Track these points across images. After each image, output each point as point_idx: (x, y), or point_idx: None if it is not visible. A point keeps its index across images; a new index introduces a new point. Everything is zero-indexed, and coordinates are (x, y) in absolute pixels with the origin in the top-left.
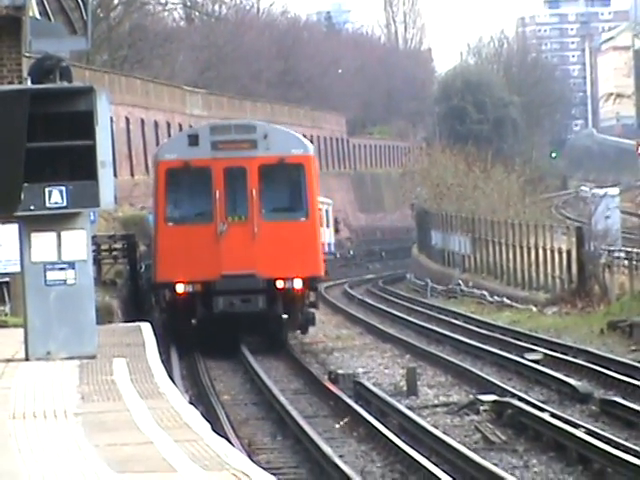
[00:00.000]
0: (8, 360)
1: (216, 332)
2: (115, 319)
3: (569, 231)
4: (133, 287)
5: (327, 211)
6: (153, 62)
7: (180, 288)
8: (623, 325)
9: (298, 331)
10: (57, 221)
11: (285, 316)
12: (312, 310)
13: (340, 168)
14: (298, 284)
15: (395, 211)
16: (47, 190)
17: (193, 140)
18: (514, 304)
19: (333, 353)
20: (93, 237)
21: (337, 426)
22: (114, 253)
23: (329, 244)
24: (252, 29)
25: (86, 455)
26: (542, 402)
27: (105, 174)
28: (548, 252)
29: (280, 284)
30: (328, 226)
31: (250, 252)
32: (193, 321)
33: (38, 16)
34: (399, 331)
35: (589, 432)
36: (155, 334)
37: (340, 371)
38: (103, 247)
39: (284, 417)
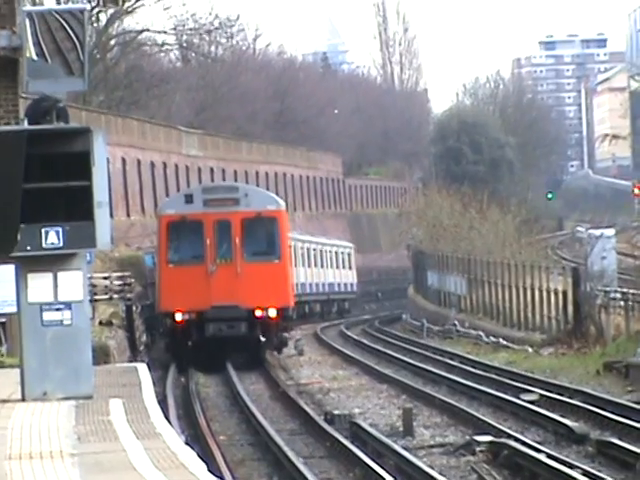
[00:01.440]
0: (4, 401)
1: (208, 352)
2: (111, 360)
3: (565, 272)
4: (129, 327)
5: (349, 254)
6: (149, 103)
7: (179, 317)
8: (619, 366)
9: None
10: (53, 262)
11: (263, 339)
12: (285, 334)
13: (336, 209)
14: (273, 313)
15: (391, 252)
16: (44, 231)
17: (189, 198)
18: (510, 345)
19: (329, 394)
20: (89, 277)
21: None
22: (110, 294)
23: (351, 284)
24: (248, 70)
25: None
26: (538, 443)
27: (101, 214)
28: (544, 293)
29: (258, 313)
30: (351, 268)
31: (234, 287)
32: (189, 343)
33: (35, 57)
34: (395, 372)
35: (585, 473)
36: (151, 374)
37: (336, 411)
38: (99, 287)
39: (280, 458)
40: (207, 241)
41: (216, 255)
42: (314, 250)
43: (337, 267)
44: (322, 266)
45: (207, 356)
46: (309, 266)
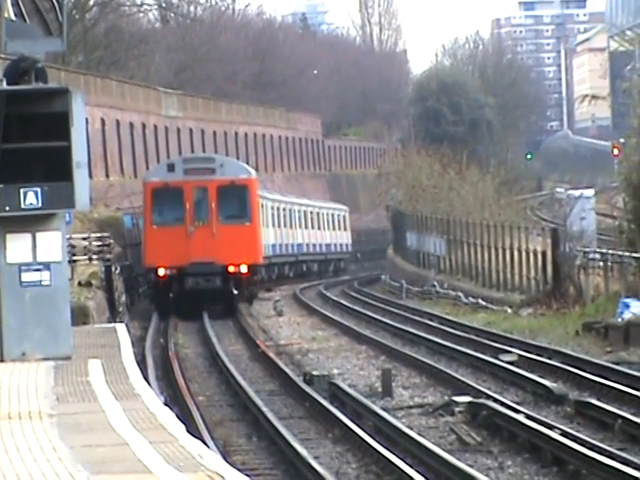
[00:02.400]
0: None
1: (186, 303)
2: (90, 320)
3: (544, 232)
4: (108, 288)
5: (344, 217)
6: (129, 63)
7: (161, 272)
8: (598, 326)
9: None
10: (32, 222)
11: (236, 292)
12: (254, 288)
13: (315, 169)
14: (244, 269)
15: (370, 212)
16: (22, 191)
17: (171, 167)
18: (489, 305)
19: (308, 354)
20: (68, 238)
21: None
22: (89, 254)
23: (346, 245)
24: (227, 30)
25: (61, 456)
26: (517, 403)
27: (80, 175)
28: (523, 253)
29: (232, 269)
30: (346, 229)
31: (210, 246)
32: (171, 295)
33: (13, 17)
34: (374, 332)
35: (564, 433)
36: (130, 334)
37: (315, 372)
38: (78, 248)
39: (259, 418)
40: (187, 205)
41: (195, 218)
42: (311, 213)
43: (333, 229)
44: (319, 228)
45: (187, 306)
46: (306, 228)
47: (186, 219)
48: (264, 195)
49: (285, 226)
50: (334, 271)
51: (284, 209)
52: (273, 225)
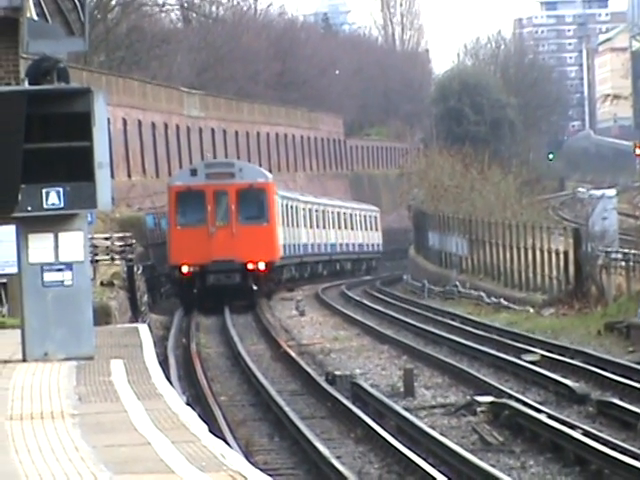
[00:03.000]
0: (6, 361)
1: (209, 298)
2: (112, 320)
3: (566, 232)
4: (130, 288)
5: (376, 217)
6: (150, 63)
7: (185, 269)
8: (620, 326)
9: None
10: (54, 222)
11: (255, 287)
12: (272, 284)
13: (337, 169)
14: (262, 266)
15: (392, 212)
16: (44, 191)
17: (193, 172)
18: (511, 305)
19: (330, 354)
20: (90, 238)
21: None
22: (111, 254)
23: (378, 244)
24: (249, 30)
25: (84, 456)
26: (539, 403)
27: (102, 175)
28: (545, 253)
29: (250, 266)
30: (377, 230)
31: (230, 245)
32: (194, 290)
33: (35, 17)
34: (396, 332)
35: (586, 433)
36: (152, 334)
37: (337, 372)
38: (100, 248)
39: (281, 418)
40: (208, 207)
41: (216, 219)
42: (344, 214)
43: (365, 229)
44: (352, 228)
45: (209, 301)
46: (339, 228)
47: (208, 220)
48: (297, 197)
49: (318, 227)
50: (366, 270)
51: (317, 210)
52: (305, 226)
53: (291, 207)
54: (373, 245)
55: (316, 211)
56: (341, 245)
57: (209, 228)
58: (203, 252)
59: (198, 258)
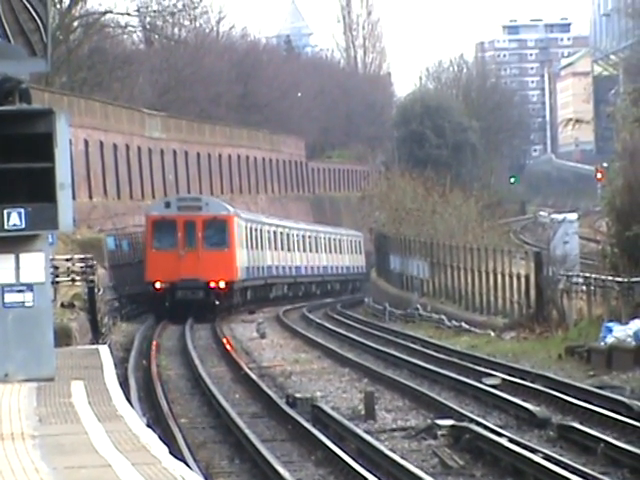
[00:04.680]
0: None
1: (178, 310)
2: (73, 342)
3: (527, 256)
4: (91, 309)
5: (360, 242)
6: (112, 85)
7: (158, 285)
8: (581, 350)
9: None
10: (15, 243)
11: (217, 302)
12: (231, 300)
13: (299, 191)
14: (222, 284)
15: None
16: (5, 212)
17: (167, 205)
18: (472, 329)
19: (291, 377)
20: (51, 259)
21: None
22: (72, 275)
23: (361, 266)
24: (211, 52)
25: (44, 478)
26: (500, 427)
27: (64, 196)
28: (506, 277)
29: (212, 284)
30: (361, 253)
31: (196, 266)
32: (166, 304)
33: None
34: (357, 355)
35: (547, 457)
36: (113, 356)
37: (298, 395)
38: (61, 269)
39: (242, 440)
40: (179, 234)
41: (185, 244)
42: (334, 240)
43: (351, 253)
44: (340, 252)
45: (177, 312)
46: (330, 252)
47: (178, 245)
48: (290, 225)
49: (312, 251)
50: (352, 290)
51: (309, 237)
52: (298, 250)
53: (287, 235)
54: (358, 267)
55: (309, 237)
56: (332, 267)
57: (179, 251)
58: (173, 271)
59: (169, 276)
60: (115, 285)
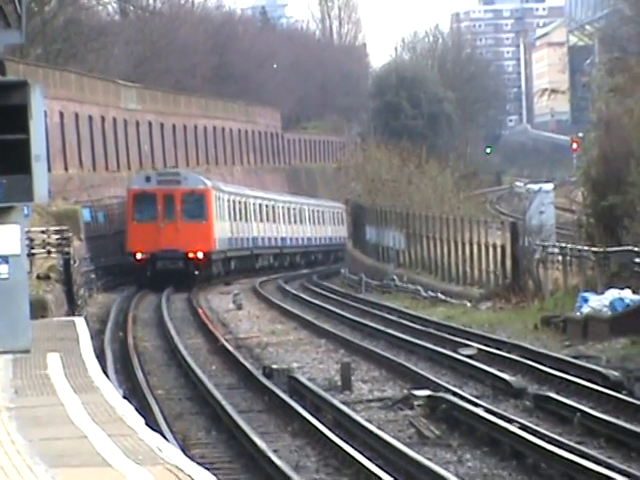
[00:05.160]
0: None
1: (158, 279)
2: (49, 314)
3: (503, 226)
4: (67, 281)
5: (341, 213)
6: (87, 56)
7: (139, 256)
8: (557, 320)
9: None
10: None
11: (196, 272)
12: (210, 270)
13: (275, 163)
14: (200, 255)
15: None
16: None
17: (147, 179)
18: (448, 299)
19: (267, 348)
20: (26, 231)
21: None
22: (48, 247)
23: (343, 237)
24: (186, 23)
25: (20, 449)
26: (476, 397)
27: (39, 168)
28: (482, 247)
29: (191, 255)
30: (343, 224)
31: (176, 238)
32: (148, 273)
33: None
34: (333, 326)
35: (523, 427)
36: (89, 328)
37: (275, 366)
38: (37, 241)
39: (218, 412)
40: (159, 207)
41: (164, 216)
42: (318, 212)
43: (334, 224)
44: (323, 223)
45: (158, 282)
46: (314, 224)
47: (158, 217)
48: (276, 198)
49: (296, 222)
50: (334, 259)
51: (294, 209)
52: (284, 222)
53: (272, 207)
54: (340, 237)
55: (294, 209)
56: (315, 239)
57: (159, 224)
58: (154, 243)
59: (149, 247)
60: (91, 257)
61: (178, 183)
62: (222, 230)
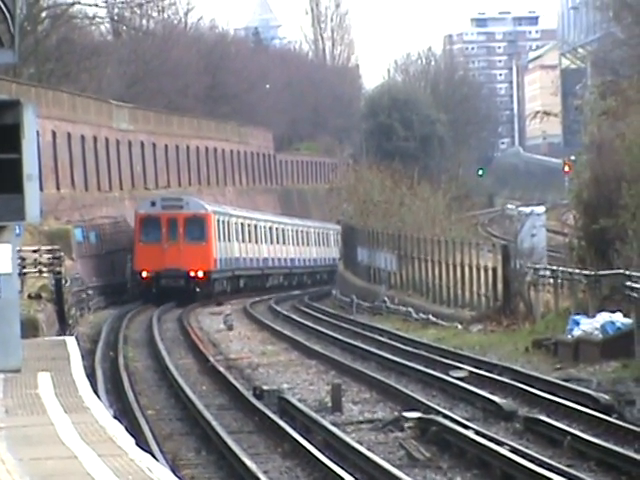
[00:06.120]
0: None
1: (163, 296)
2: (40, 333)
3: (495, 249)
4: (58, 301)
5: (338, 233)
6: (80, 76)
7: (144, 274)
8: (548, 343)
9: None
10: None
11: (197, 289)
12: (209, 287)
13: (267, 184)
14: (200, 274)
15: None
16: None
17: (153, 204)
18: (439, 321)
19: (258, 369)
20: (18, 250)
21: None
22: (39, 267)
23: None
24: (179, 44)
25: (10, 469)
26: (466, 419)
27: (31, 187)
28: (474, 270)
29: (192, 274)
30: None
31: (178, 258)
32: (153, 290)
33: None
34: (324, 347)
35: (513, 450)
36: (80, 348)
37: (265, 387)
38: (28, 261)
39: (209, 432)
40: (163, 230)
41: (168, 238)
42: (322, 234)
43: (336, 245)
44: (327, 245)
45: (162, 298)
46: (319, 245)
47: (162, 239)
48: (285, 221)
49: (304, 244)
50: (329, 279)
51: (301, 232)
52: (293, 244)
53: (282, 230)
54: (334, 259)
55: (301, 232)
56: (320, 259)
57: (163, 245)
58: (158, 262)
59: (154, 266)
60: (83, 277)
61: (181, 208)
62: (225, 250)
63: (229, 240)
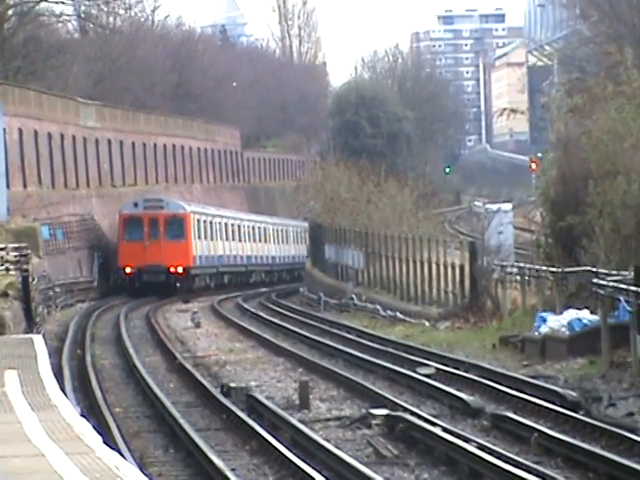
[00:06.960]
0: None
1: (145, 290)
2: (7, 331)
3: (462, 246)
4: (25, 299)
5: (306, 230)
6: (47, 73)
7: (128, 270)
8: (515, 340)
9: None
10: None
11: (177, 284)
12: (189, 282)
13: (234, 181)
14: (180, 269)
15: None
16: None
17: (135, 205)
18: (407, 318)
19: (226, 366)
20: None
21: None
22: (6, 265)
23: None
24: (146, 41)
25: None
26: (434, 416)
27: None
28: (441, 267)
29: (172, 269)
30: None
31: (159, 254)
32: (136, 285)
33: None
34: (292, 345)
35: (480, 447)
36: (47, 346)
37: (233, 384)
38: None
39: (176, 430)
40: (145, 229)
41: (150, 236)
42: (300, 232)
43: (298, 243)
44: (305, 242)
45: (144, 292)
46: (297, 243)
47: (145, 237)
48: (267, 221)
49: (284, 243)
50: (298, 276)
51: (281, 230)
52: (274, 242)
53: (264, 229)
54: (303, 256)
55: (280, 231)
56: (297, 257)
57: (145, 242)
58: (140, 259)
59: (137, 263)
60: (50, 274)
61: (161, 208)
62: (205, 248)
63: (211, 238)
